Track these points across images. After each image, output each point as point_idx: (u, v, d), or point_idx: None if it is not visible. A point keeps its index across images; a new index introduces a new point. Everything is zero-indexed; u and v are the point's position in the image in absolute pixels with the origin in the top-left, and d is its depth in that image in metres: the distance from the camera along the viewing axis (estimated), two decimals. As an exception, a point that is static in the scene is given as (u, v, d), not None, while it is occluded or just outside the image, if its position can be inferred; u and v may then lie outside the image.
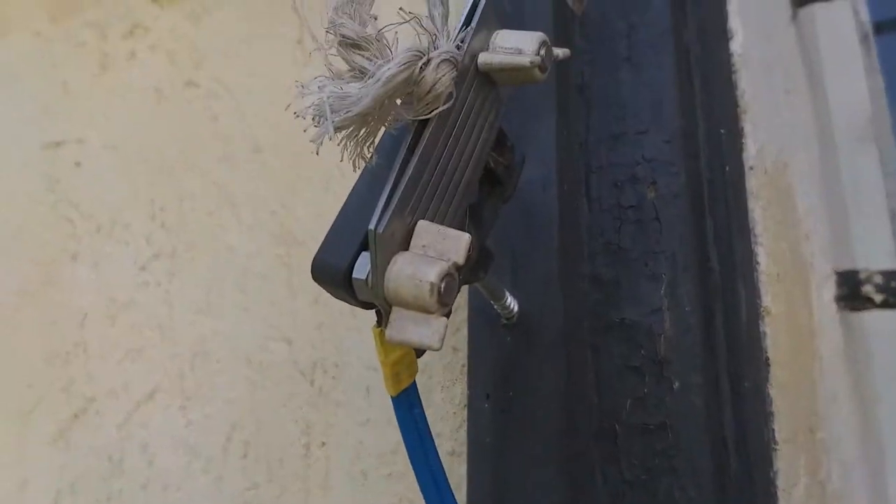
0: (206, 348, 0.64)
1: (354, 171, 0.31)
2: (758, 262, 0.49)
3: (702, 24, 0.51)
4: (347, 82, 0.29)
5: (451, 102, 0.30)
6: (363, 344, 0.54)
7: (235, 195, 0.67)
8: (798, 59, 0.78)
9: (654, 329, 0.43)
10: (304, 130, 0.30)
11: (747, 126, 0.52)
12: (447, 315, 0.29)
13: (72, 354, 0.72)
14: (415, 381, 0.34)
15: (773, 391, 0.47)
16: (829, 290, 0.69)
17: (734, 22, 0.54)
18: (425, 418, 0.34)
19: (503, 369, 0.44)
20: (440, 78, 0.30)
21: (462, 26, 0.33)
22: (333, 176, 0.60)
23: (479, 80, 0.33)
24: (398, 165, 0.30)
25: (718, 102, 0.50)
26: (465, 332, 0.47)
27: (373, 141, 0.30)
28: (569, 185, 0.47)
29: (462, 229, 0.33)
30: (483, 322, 0.45)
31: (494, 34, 0.34)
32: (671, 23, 0.48)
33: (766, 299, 0.49)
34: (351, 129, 0.29)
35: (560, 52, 0.35)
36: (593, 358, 0.44)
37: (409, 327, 0.29)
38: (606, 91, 0.49)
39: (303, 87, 0.29)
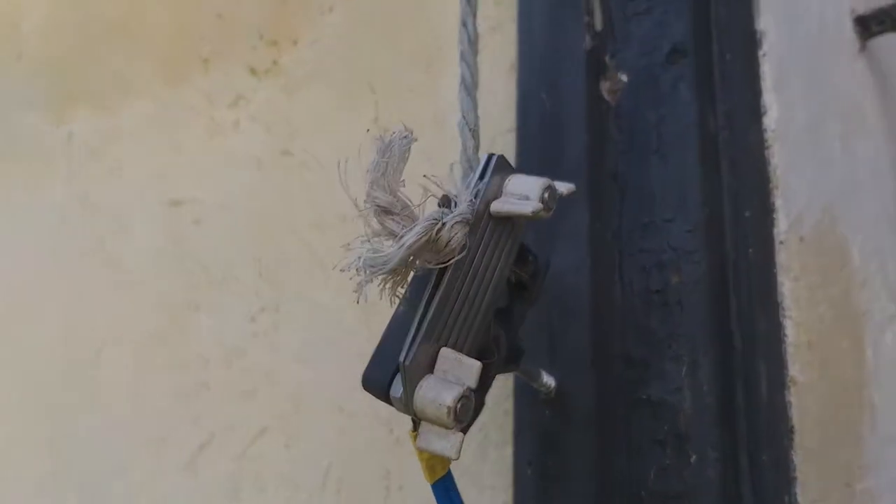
0: (304, 393, 0.74)
1: (391, 306, 0.38)
2: (786, 335, 0.53)
3: (732, 107, 0.55)
4: (382, 241, 0.36)
5: (464, 252, 0.37)
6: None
7: (325, 259, 0.76)
8: (867, 94, 0.78)
9: (676, 406, 0.48)
10: (350, 279, 0.37)
11: (778, 201, 0.55)
12: (465, 429, 0.36)
13: (197, 392, 0.85)
14: (450, 471, 0.41)
15: (798, 458, 0.50)
16: (893, 332, 0.70)
17: (768, 98, 0.57)
18: (461, 500, 0.41)
19: (543, 439, 0.51)
20: (454, 236, 0.36)
21: (478, 178, 0.39)
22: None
23: (493, 221, 0.39)
24: (423, 305, 0.37)
25: (745, 184, 0.53)
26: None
27: (404, 283, 0.38)
28: (602, 270, 0.52)
29: (486, 341, 0.40)
30: (527, 395, 0.52)
31: (508, 179, 0.40)
32: (696, 115, 0.52)
33: (794, 369, 0.52)
34: (383, 278, 0.36)
35: (565, 189, 0.41)
36: (625, 430, 0.49)
37: (433, 439, 0.36)
38: (638, 181, 0.53)
39: (349, 245, 0.37)
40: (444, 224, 0.36)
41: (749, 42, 0.57)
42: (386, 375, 0.38)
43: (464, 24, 0.48)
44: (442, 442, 0.36)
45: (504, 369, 0.45)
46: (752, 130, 0.55)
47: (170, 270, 0.95)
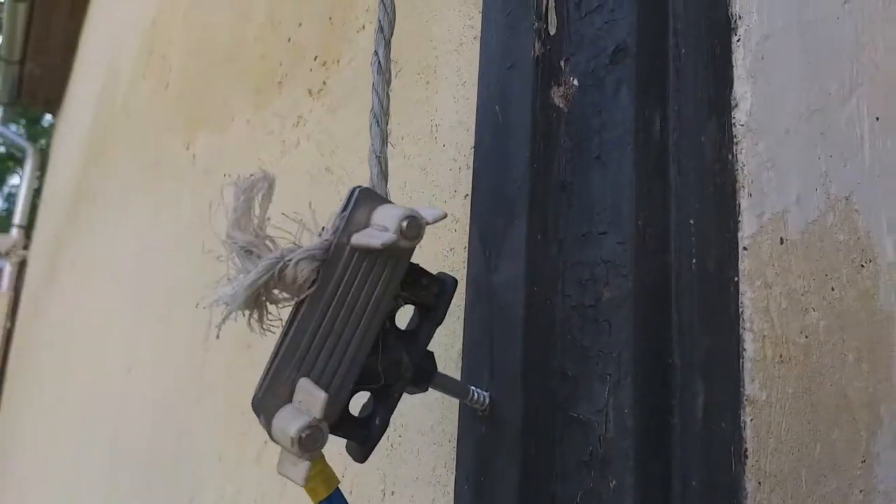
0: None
1: (263, 337, 0.41)
2: (744, 350, 0.48)
3: (687, 105, 0.51)
4: (234, 281, 0.39)
5: (313, 287, 0.39)
6: (418, 414, 0.64)
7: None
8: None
9: (598, 427, 0.46)
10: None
11: (744, 202, 0.50)
12: (312, 458, 0.38)
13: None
14: (338, 489, 0.43)
15: (751, 483, 0.46)
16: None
17: (741, 89, 0.52)
18: (353, 516, 0.43)
19: (478, 456, 0.51)
20: (299, 272, 0.38)
21: (340, 212, 0.41)
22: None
23: (360, 252, 0.41)
24: (278, 339, 0.39)
25: (698, 188, 0.49)
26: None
27: (265, 316, 0.40)
28: (544, 283, 0.51)
29: (371, 367, 0.42)
30: (466, 412, 0.52)
31: (374, 210, 0.41)
32: (633, 119, 0.49)
33: (752, 387, 0.48)
34: (241, 312, 0.39)
35: (431, 216, 0.41)
36: (558, 450, 0.48)
37: (287, 466, 0.39)
38: (582, 190, 0.51)
39: (215, 283, 0.40)
40: (288, 262, 0.38)
41: (719, 30, 0.53)
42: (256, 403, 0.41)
43: (375, 54, 0.49)
44: (293, 469, 0.38)
45: (412, 390, 0.46)
46: (710, 128, 0.51)
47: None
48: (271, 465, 0.88)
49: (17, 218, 7.70)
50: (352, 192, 0.42)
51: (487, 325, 0.53)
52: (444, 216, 0.42)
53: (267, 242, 0.39)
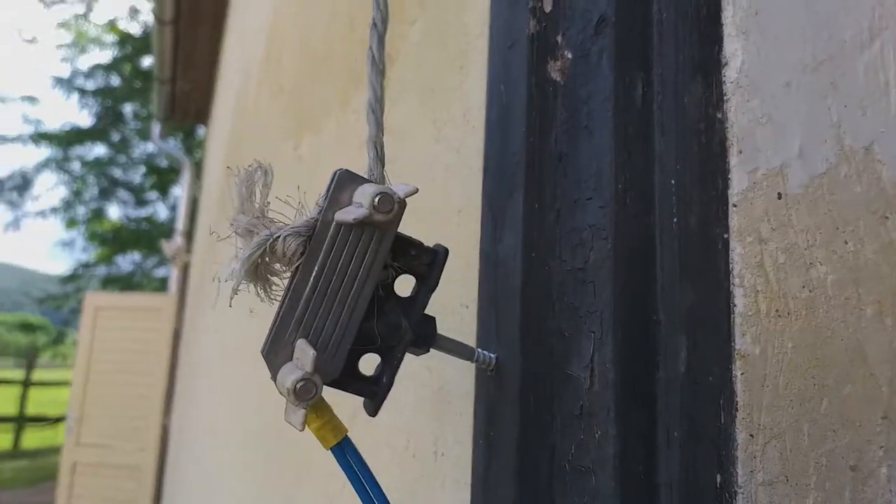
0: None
1: (270, 305, 0.48)
2: (734, 305, 0.49)
3: (671, 69, 0.52)
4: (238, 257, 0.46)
5: (301, 258, 0.45)
6: (461, 380, 0.69)
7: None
8: None
9: (583, 382, 0.49)
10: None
11: (733, 160, 0.51)
12: (315, 408, 0.45)
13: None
14: (347, 436, 0.49)
15: (742, 435, 0.47)
16: None
17: (731, 47, 0.52)
18: (364, 464, 0.49)
19: (489, 412, 0.55)
20: (287, 247, 0.45)
21: (324, 193, 0.47)
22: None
23: (345, 227, 0.46)
24: (278, 306, 0.46)
25: (681, 150, 0.50)
26: (479, 377, 0.59)
27: (269, 288, 0.47)
28: (542, 250, 0.54)
29: (368, 329, 0.47)
30: (480, 373, 0.57)
31: (356, 189, 0.47)
32: (613, 87, 0.51)
33: (743, 342, 0.48)
34: (247, 285, 0.46)
35: (403, 192, 0.46)
36: (557, 405, 0.52)
37: (290, 413, 0.45)
38: (574, 159, 0.54)
39: (223, 265, 0.48)
40: (277, 238, 0.44)
41: (706, -12, 0.53)
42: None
43: (370, 48, 0.55)
44: (294, 416, 0.45)
45: (414, 351, 0.51)
46: (694, 89, 0.51)
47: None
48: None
49: (180, 225, 8.46)
50: (333, 175, 0.47)
51: (493, 292, 0.57)
52: (416, 191, 0.47)
53: (265, 224, 0.46)
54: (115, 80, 12.58)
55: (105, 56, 12.80)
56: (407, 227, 0.88)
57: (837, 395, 0.50)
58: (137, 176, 12.69)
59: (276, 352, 0.46)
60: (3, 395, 12.49)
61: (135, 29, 12.66)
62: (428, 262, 0.50)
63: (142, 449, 6.32)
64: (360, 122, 1.13)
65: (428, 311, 0.77)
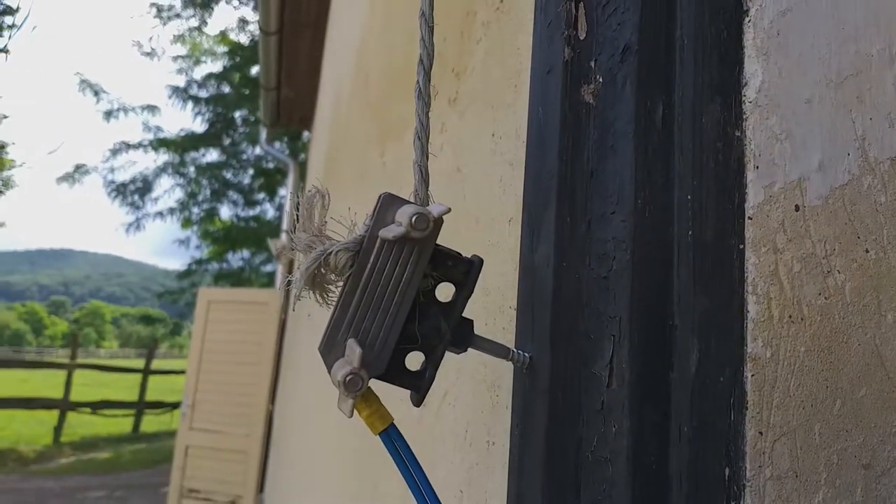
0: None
1: (327, 310, 0.56)
2: (747, 311, 0.52)
3: (691, 91, 0.56)
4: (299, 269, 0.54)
5: (351, 270, 0.52)
6: (510, 376, 0.75)
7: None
8: None
9: (604, 381, 0.54)
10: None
11: (751, 175, 0.54)
12: (364, 399, 0.52)
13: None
14: (393, 424, 0.56)
15: (751, 431, 0.51)
16: None
17: (751, 68, 0.56)
18: (409, 448, 0.56)
19: (523, 405, 0.61)
20: (339, 261, 0.52)
21: (371, 214, 0.54)
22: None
23: (389, 243, 0.53)
24: (332, 311, 0.53)
25: (699, 167, 0.54)
26: (518, 374, 0.64)
27: (325, 295, 0.54)
28: (574, 259, 0.59)
29: (411, 331, 0.54)
30: (517, 371, 0.62)
31: (398, 209, 0.53)
32: (633, 111, 0.56)
33: (755, 346, 0.52)
34: (307, 293, 0.54)
35: (437, 211, 0.52)
36: (583, 401, 0.57)
37: (341, 402, 0.53)
38: (602, 175, 0.59)
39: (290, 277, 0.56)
40: (330, 254, 0.52)
41: (727, 16, 0.57)
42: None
43: (417, 83, 0.61)
44: (343, 405, 0.52)
45: (454, 350, 0.58)
46: (712, 110, 0.55)
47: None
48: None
49: (285, 224, 8.85)
50: (379, 198, 0.54)
51: (529, 298, 0.62)
52: (448, 210, 0.53)
53: (322, 240, 0.54)
54: (226, 89, 13.30)
55: (217, 66, 13.57)
56: (465, 233, 0.95)
57: (852, 397, 0.53)
58: (247, 178, 13.37)
59: (329, 349, 0.53)
60: (126, 382, 13.49)
61: (244, 39, 13.34)
62: (465, 271, 0.56)
63: (248, 434, 6.69)
64: (434, 131, 1.19)
65: (480, 312, 0.83)
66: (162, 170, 13.16)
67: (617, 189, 0.56)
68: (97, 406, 11.81)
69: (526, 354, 0.60)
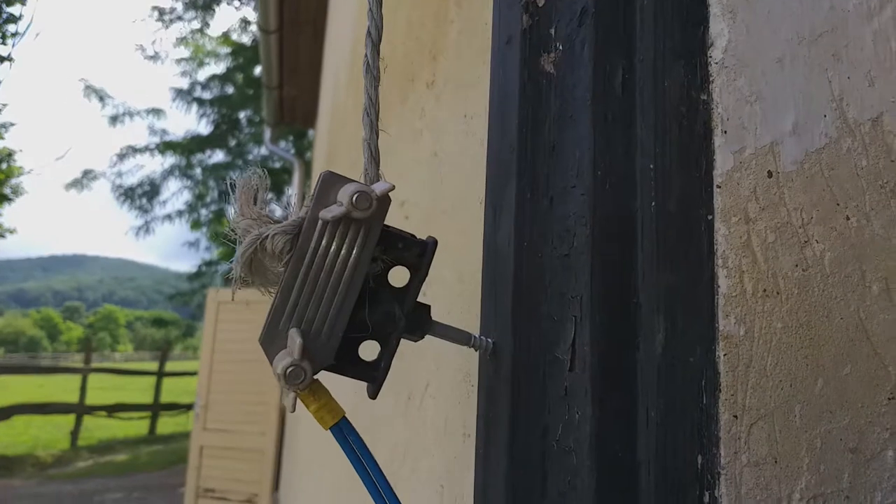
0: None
1: (264, 294, 0.52)
2: (718, 286, 0.49)
3: (653, 55, 0.52)
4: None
5: (290, 254, 0.49)
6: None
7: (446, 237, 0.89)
8: None
9: (566, 365, 0.50)
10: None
11: (718, 141, 0.50)
12: (310, 392, 0.49)
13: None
14: (345, 417, 0.52)
15: (724, 416, 0.47)
16: None
17: (717, 27, 0.52)
18: (361, 442, 0.53)
19: (488, 393, 0.57)
20: (275, 245, 0.49)
21: (312, 194, 0.50)
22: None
23: (332, 224, 0.50)
24: (272, 299, 0.50)
25: (656, 136, 0.50)
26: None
27: (266, 283, 0.51)
28: (535, 238, 0.56)
29: (359, 319, 0.51)
30: (483, 359, 0.59)
31: (340, 188, 0.50)
32: (591, 77, 0.52)
33: (726, 323, 0.48)
34: (244, 280, 0.51)
35: (379, 190, 0.49)
36: (548, 387, 0.53)
37: (284, 396, 0.49)
38: (563, 148, 0.55)
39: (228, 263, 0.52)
40: (266, 237, 0.49)
41: (691, -30, 0.53)
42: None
43: (365, 56, 0.58)
44: (286, 398, 0.49)
45: (410, 337, 0.54)
46: (675, 73, 0.51)
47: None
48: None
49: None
50: (319, 176, 0.51)
51: (492, 280, 0.59)
52: (392, 188, 0.50)
53: (260, 225, 0.50)
54: (230, 90, 13.29)
55: (220, 67, 13.56)
56: (440, 218, 0.92)
57: (835, 375, 0.49)
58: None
59: (270, 340, 0.50)
60: (141, 385, 13.56)
61: (246, 40, 13.32)
62: (419, 254, 0.53)
63: (262, 433, 6.70)
64: (414, 117, 1.16)
65: (456, 300, 0.80)
66: (169, 172, 13.18)
67: (577, 161, 0.53)
68: (113, 409, 11.87)
69: (489, 340, 0.57)
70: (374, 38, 0.57)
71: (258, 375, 6.80)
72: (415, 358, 1.02)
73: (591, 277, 0.50)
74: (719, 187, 0.50)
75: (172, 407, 12.83)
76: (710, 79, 0.51)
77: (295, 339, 0.49)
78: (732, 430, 0.47)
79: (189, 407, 11.24)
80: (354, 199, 0.48)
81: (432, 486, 0.85)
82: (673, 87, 0.51)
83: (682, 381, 0.48)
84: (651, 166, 0.50)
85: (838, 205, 0.51)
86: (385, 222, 0.51)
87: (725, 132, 0.50)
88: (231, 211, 0.51)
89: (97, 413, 11.65)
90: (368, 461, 0.52)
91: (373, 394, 0.55)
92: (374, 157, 0.56)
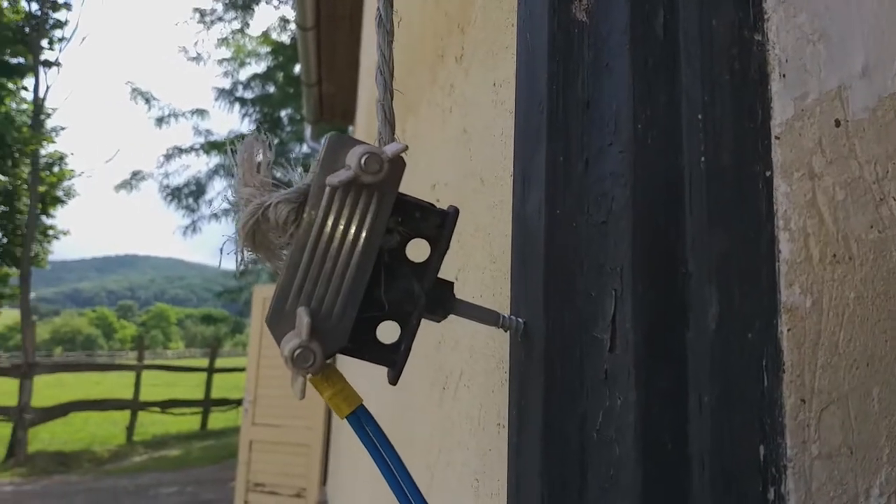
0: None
1: (271, 271, 0.48)
2: (779, 251, 0.42)
3: (699, -12, 0.46)
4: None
5: (294, 225, 0.44)
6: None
7: (477, 212, 0.84)
8: None
9: (605, 345, 0.45)
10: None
11: (776, 86, 0.44)
12: (307, 375, 0.44)
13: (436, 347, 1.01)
14: (362, 405, 0.48)
15: (791, 399, 0.41)
16: None
17: (772, -46, 0.45)
18: (379, 430, 0.48)
19: (520, 379, 0.52)
20: (279, 214, 0.44)
21: (317, 159, 0.46)
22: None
23: (341, 191, 0.45)
24: (280, 273, 0.46)
25: (703, 83, 0.44)
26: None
27: (273, 259, 0.47)
28: (569, 205, 0.50)
29: (375, 297, 0.46)
30: (514, 341, 0.54)
31: (348, 152, 0.45)
32: (628, 19, 0.46)
33: (790, 294, 0.42)
34: (246, 251, 0.46)
35: (391, 151, 0.44)
36: (587, 370, 0.48)
37: (293, 381, 0.45)
38: (598, 102, 0.49)
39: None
40: (268, 206, 0.44)
41: None
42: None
43: (378, 10, 0.53)
44: (294, 384, 0.44)
45: (431, 317, 0.49)
46: (725, 9, 0.45)
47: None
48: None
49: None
50: (324, 139, 0.46)
51: (521, 255, 0.53)
52: (405, 148, 0.44)
53: (264, 193, 0.46)
54: (271, 88, 13.43)
55: (261, 66, 13.70)
56: (472, 194, 0.86)
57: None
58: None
59: (277, 321, 0.45)
60: (192, 381, 13.84)
61: (285, 38, 13.43)
62: (438, 224, 0.48)
63: (309, 427, 6.74)
64: (444, 95, 1.11)
65: (488, 281, 0.74)
66: (214, 172, 13.38)
67: (613, 115, 0.47)
68: (166, 405, 12.12)
69: (520, 320, 0.51)
70: (387, -10, 0.52)
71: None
72: (451, 347, 0.97)
73: (631, 245, 0.44)
74: (778, 139, 0.43)
75: (223, 402, 13.04)
76: (766, 16, 0.45)
77: (303, 318, 0.44)
78: (800, 417, 0.41)
79: (239, 402, 11.42)
80: (363, 161, 0.43)
81: (467, 480, 0.80)
82: (722, 27, 0.45)
83: (740, 361, 0.41)
84: (699, 117, 0.44)
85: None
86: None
87: (784, 76, 0.44)
88: (233, 179, 0.47)
89: (151, 409, 11.92)
90: (388, 451, 0.48)
91: (393, 379, 0.50)
92: (388, 119, 0.51)
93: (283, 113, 13.43)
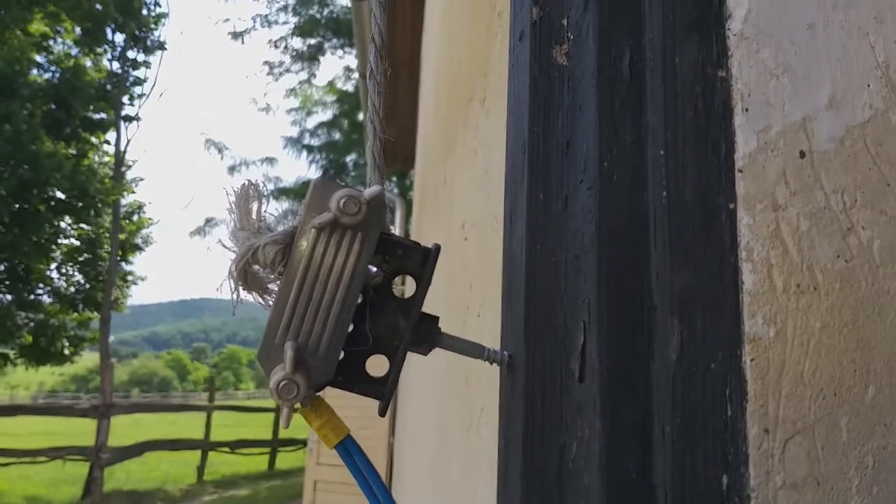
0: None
1: (265, 308, 0.51)
2: (742, 282, 0.43)
3: (664, 33, 0.48)
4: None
5: (281, 265, 0.48)
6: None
7: (481, 246, 0.86)
8: None
9: (575, 376, 0.46)
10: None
11: (738, 120, 0.45)
12: (292, 406, 0.47)
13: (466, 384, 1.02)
14: (349, 435, 0.50)
15: (754, 429, 0.41)
16: None
17: (733, -4, 0.47)
18: (366, 460, 0.50)
19: (505, 411, 0.53)
20: (267, 255, 0.48)
21: (305, 204, 0.49)
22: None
23: (326, 231, 0.48)
24: (269, 311, 0.49)
25: (667, 120, 0.46)
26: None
27: (262, 294, 0.50)
28: (550, 241, 0.52)
29: (360, 332, 0.49)
30: (502, 371, 0.55)
31: (332, 194, 0.48)
32: (595, 62, 0.48)
33: (753, 324, 0.42)
34: (240, 289, 0.50)
35: (368, 194, 0.47)
36: (564, 401, 0.49)
37: (282, 415, 0.48)
38: (574, 141, 0.51)
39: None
40: (257, 248, 0.48)
41: (703, -61, 0.48)
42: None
43: (369, 63, 0.57)
44: (283, 417, 0.47)
45: (417, 350, 0.52)
46: (688, 49, 0.46)
47: (454, 277, 1.16)
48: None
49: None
50: (311, 183, 0.49)
51: (508, 289, 0.55)
52: (381, 191, 0.47)
53: (258, 235, 0.49)
54: (336, 135, 13.85)
55: (327, 114, 14.18)
56: (490, 234, 0.88)
57: (890, 381, 0.42)
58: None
59: (267, 355, 0.49)
60: (261, 421, 14.08)
61: (349, 87, 13.88)
62: (421, 261, 0.50)
63: (371, 469, 6.76)
64: (471, 136, 1.15)
65: (482, 308, 0.76)
66: (284, 217, 13.80)
67: (584, 155, 0.49)
68: (235, 445, 12.37)
69: (506, 353, 0.53)
70: (378, 43, 0.56)
71: (366, 410, 6.91)
72: (476, 383, 0.98)
73: (597, 278, 0.45)
74: (741, 171, 0.44)
75: (290, 443, 13.21)
76: (729, 52, 0.46)
77: (288, 352, 0.47)
78: (763, 447, 0.41)
79: (304, 442, 11.55)
80: (342, 203, 0.46)
81: (486, 516, 0.81)
82: (686, 65, 0.46)
83: (703, 391, 0.42)
84: (661, 153, 0.45)
85: (888, 185, 0.45)
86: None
87: (747, 110, 0.45)
88: (230, 224, 0.51)
89: (221, 449, 12.17)
90: (374, 480, 0.50)
91: (382, 411, 0.52)
92: (377, 164, 0.54)
93: (348, 158, 13.80)
